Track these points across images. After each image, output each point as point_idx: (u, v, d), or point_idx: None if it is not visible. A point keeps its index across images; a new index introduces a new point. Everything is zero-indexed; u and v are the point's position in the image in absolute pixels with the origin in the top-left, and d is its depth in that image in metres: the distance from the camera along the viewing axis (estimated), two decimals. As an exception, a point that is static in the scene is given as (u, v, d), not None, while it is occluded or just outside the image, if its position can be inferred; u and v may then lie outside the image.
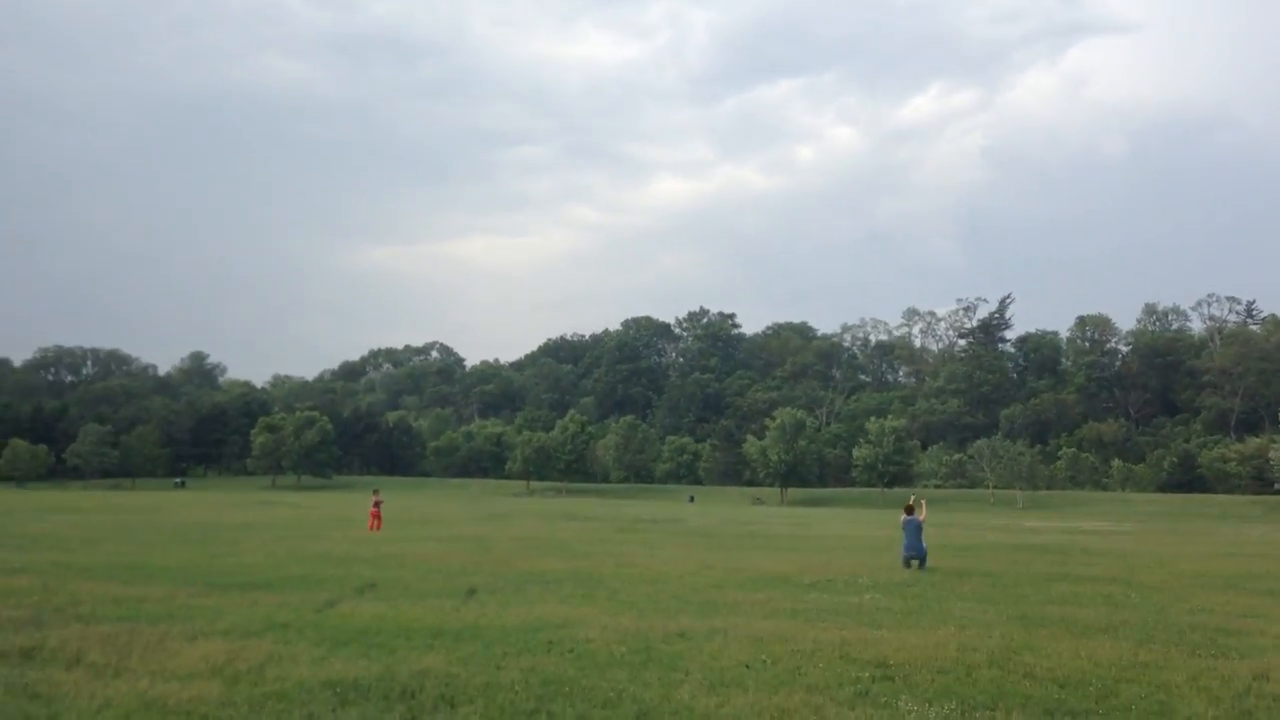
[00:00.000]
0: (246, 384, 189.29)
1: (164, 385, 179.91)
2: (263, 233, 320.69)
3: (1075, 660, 10.64)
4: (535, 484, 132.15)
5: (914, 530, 21.13)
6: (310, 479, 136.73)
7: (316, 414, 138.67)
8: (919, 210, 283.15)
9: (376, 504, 38.82)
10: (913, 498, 23.04)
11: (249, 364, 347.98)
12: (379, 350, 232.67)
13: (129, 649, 10.10)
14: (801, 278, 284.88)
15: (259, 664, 9.58)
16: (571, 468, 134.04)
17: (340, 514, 50.94)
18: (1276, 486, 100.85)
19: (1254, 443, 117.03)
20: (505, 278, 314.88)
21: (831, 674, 9.73)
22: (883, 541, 32.44)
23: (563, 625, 12.32)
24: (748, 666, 10.02)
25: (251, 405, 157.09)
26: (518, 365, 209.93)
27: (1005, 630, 12.61)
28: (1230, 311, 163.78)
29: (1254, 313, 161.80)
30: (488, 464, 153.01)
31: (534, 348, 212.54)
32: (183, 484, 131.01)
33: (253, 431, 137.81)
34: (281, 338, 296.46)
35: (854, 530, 41.53)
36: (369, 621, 12.39)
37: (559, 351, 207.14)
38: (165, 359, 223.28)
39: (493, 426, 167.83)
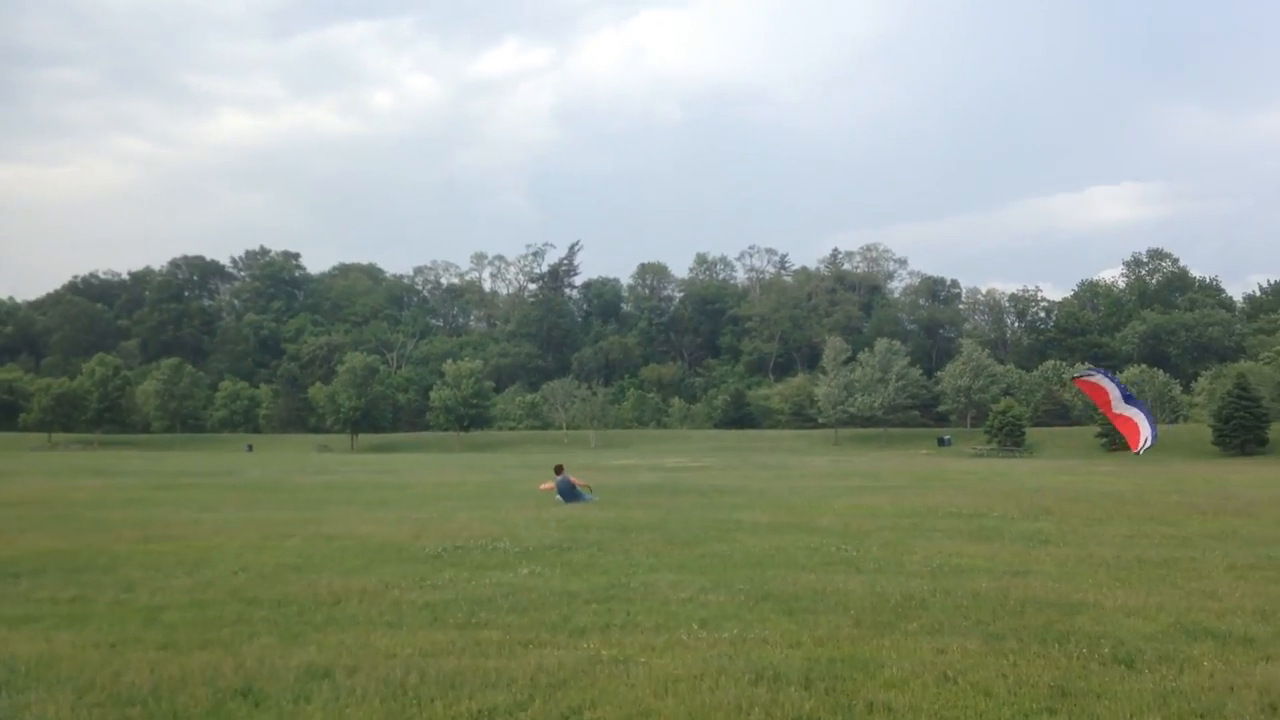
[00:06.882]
0: None
1: None
2: None
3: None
4: (59, 436, 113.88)
5: (567, 488, 21.11)
6: None
7: None
8: (493, 163, 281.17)
9: None
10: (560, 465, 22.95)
11: None
12: None
13: None
14: (374, 223, 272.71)
15: None
16: (104, 417, 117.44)
17: None
18: (819, 420, 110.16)
19: (794, 382, 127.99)
20: (36, 212, 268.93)
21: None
22: (491, 487, 27.94)
23: None
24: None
25: None
26: (39, 305, 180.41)
27: (774, 625, 8.34)
28: (768, 262, 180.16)
29: (786, 264, 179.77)
30: (1, 416, 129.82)
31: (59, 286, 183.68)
32: None
33: None
34: None
35: (449, 476, 36.63)
36: None
37: (90, 290, 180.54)
38: None
39: (8, 372, 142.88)
